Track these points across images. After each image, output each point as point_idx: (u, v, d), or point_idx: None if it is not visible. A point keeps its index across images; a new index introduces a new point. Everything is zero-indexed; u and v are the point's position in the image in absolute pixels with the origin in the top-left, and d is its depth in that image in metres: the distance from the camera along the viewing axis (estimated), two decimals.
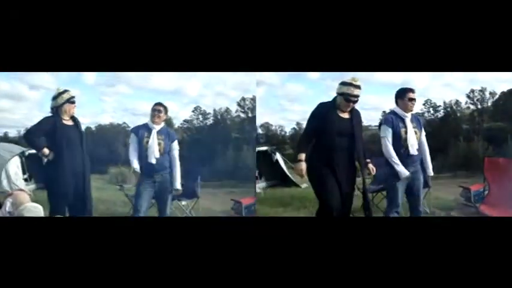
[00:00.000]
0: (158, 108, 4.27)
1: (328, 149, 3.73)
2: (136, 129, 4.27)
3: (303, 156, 3.71)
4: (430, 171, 4.15)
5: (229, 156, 5.59)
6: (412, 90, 4.06)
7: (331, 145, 3.73)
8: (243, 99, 5.42)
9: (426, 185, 4.30)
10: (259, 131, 5.59)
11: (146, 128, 4.25)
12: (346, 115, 3.82)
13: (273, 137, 6.59)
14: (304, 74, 6.71)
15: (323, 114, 3.79)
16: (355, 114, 3.85)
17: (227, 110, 5.65)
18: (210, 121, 5.77)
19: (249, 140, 5.29)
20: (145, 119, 4.28)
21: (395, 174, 3.95)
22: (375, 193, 5.32)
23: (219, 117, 5.70)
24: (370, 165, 3.92)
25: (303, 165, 3.71)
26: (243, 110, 5.52)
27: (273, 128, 6.41)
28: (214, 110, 5.73)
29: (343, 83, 3.78)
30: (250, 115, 5.33)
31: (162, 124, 4.33)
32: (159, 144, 4.22)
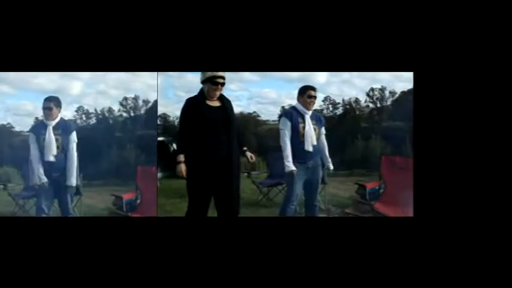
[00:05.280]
0: (48, 106, 4.03)
1: (204, 142, 3.59)
2: (34, 128, 4.07)
3: (181, 157, 3.61)
4: (330, 166, 4.22)
5: (113, 155, 5.39)
6: (313, 89, 4.08)
7: (206, 137, 3.59)
8: (125, 98, 5.26)
9: (322, 181, 4.34)
10: (158, 121, 5.38)
11: (42, 125, 4.02)
12: (216, 103, 3.73)
13: (170, 128, 6.37)
14: None
15: (192, 107, 3.66)
16: (225, 101, 3.75)
17: (110, 110, 5.46)
18: (93, 121, 5.54)
19: (132, 138, 5.15)
20: (29, 119, 4.17)
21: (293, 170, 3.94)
22: (270, 187, 5.27)
23: (101, 116, 5.48)
24: (248, 153, 3.85)
25: (183, 167, 3.60)
26: (125, 110, 5.35)
27: (171, 119, 6.20)
28: (96, 110, 5.51)
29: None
30: (132, 114, 5.19)
31: (58, 118, 4.08)
32: (57, 140, 4.00)
